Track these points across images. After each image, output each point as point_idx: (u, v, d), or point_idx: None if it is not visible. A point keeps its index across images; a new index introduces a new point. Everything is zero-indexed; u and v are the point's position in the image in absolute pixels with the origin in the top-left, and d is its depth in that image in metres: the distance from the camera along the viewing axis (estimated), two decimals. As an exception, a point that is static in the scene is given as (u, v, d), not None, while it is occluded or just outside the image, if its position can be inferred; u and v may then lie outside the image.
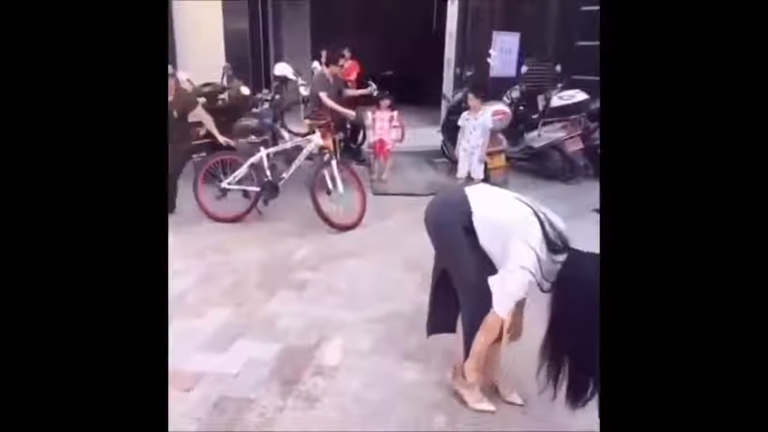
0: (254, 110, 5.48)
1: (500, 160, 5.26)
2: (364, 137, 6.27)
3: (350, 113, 5.38)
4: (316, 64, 6.52)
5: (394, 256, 3.72)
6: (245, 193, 4.43)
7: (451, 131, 6.00)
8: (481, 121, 4.86)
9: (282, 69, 6.13)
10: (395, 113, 5.69)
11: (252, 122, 5.06)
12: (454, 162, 5.94)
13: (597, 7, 6.92)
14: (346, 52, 5.61)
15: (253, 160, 4.35)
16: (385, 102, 5.62)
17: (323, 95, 5.11)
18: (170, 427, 2.03)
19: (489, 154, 5.24)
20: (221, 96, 5.75)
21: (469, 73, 6.51)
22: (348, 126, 5.93)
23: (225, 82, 6.08)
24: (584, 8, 7.23)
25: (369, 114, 5.72)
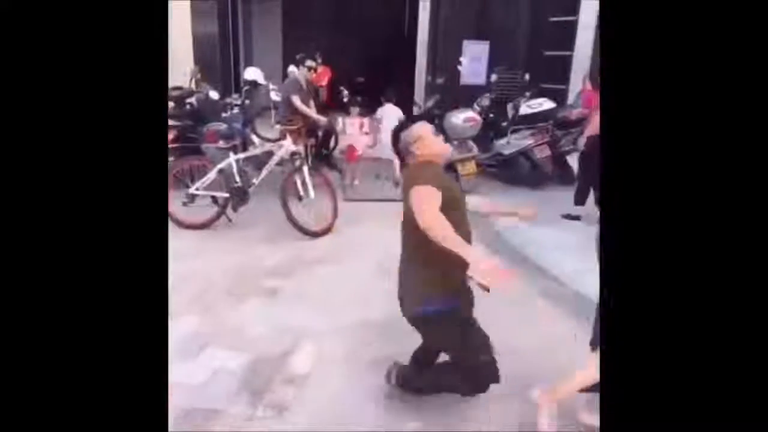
0: (223, 115, 5.40)
1: (471, 167, 5.33)
2: (336, 143, 6.25)
3: (322, 119, 5.36)
4: (293, 68, 6.48)
5: (366, 262, 3.71)
6: (214, 200, 4.35)
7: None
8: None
9: (252, 73, 6.08)
10: (366, 120, 5.71)
11: (221, 127, 4.99)
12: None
13: (565, 18, 7.13)
14: (318, 58, 5.59)
15: (221, 165, 4.28)
16: (356, 108, 5.64)
17: (296, 99, 5.08)
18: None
19: (460, 160, 5.31)
20: (189, 100, 5.65)
21: (440, 81, 6.59)
22: (319, 132, 5.91)
23: (193, 86, 5.98)
24: (553, 19, 7.42)
25: (340, 120, 5.72)
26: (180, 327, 2.77)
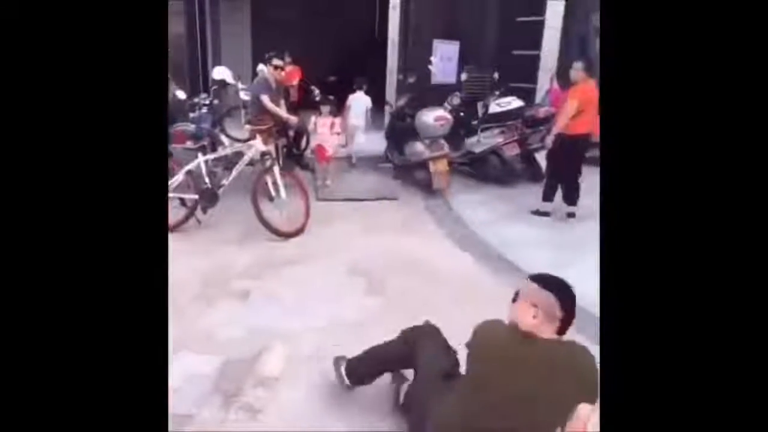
0: (191, 115, 5.30)
1: (443, 165, 5.37)
2: (308, 143, 6.22)
3: (292, 119, 5.31)
4: (262, 67, 6.41)
5: (339, 262, 3.70)
6: (182, 201, 4.27)
7: (394, 137, 6.07)
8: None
9: (221, 73, 5.99)
10: (337, 119, 5.69)
11: (189, 127, 4.90)
12: (397, 167, 6.02)
13: (532, 18, 7.26)
14: (287, 57, 5.54)
15: (190, 166, 4.20)
16: (326, 108, 5.60)
17: (265, 98, 5.02)
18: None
19: (432, 159, 5.34)
20: (156, 100, 5.53)
21: (411, 80, 6.62)
22: (290, 132, 5.87)
23: (160, 86, 5.85)
24: (520, 19, 7.55)
25: (312, 119, 5.68)
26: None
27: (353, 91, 6.14)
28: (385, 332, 2.21)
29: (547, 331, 1.59)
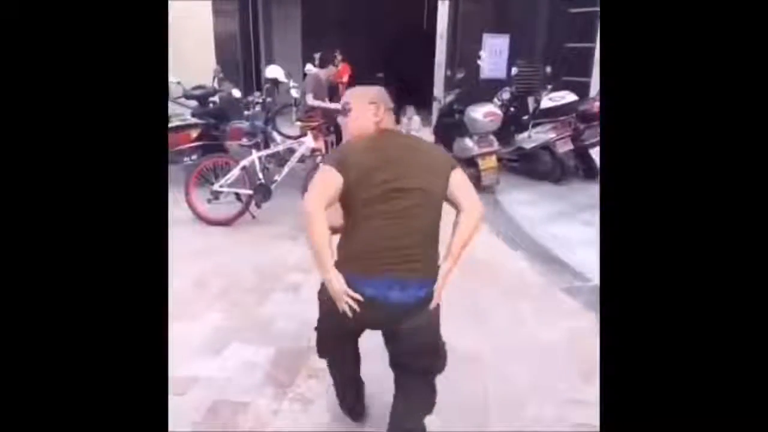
0: (246, 113, 5.47)
1: (491, 162, 5.29)
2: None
3: (335, 106, 5.40)
4: (309, 66, 6.53)
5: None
6: (238, 196, 4.43)
7: (442, 133, 6.03)
8: None
9: (273, 71, 6.13)
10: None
11: (244, 125, 5.06)
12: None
13: (585, 9, 7.01)
14: (338, 54, 5.61)
15: (245, 162, 4.34)
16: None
17: (309, 96, 5.13)
18: (175, 422, 2.03)
19: (480, 155, 5.27)
20: (212, 99, 5.74)
21: (459, 75, 6.54)
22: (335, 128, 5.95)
23: (216, 85, 6.07)
24: (573, 10, 7.30)
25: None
26: (207, 322, 2.83)
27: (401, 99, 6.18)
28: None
29: (390, 122, 1.80)
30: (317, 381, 2.36)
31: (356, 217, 1.63)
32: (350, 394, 2.08)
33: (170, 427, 1.98)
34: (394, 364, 1.84)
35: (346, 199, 1.62)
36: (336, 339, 1.90)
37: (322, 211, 1.57)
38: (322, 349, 1.97)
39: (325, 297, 1.72)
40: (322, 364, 2.48)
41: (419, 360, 1.77)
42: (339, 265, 1.63)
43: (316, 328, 1.93)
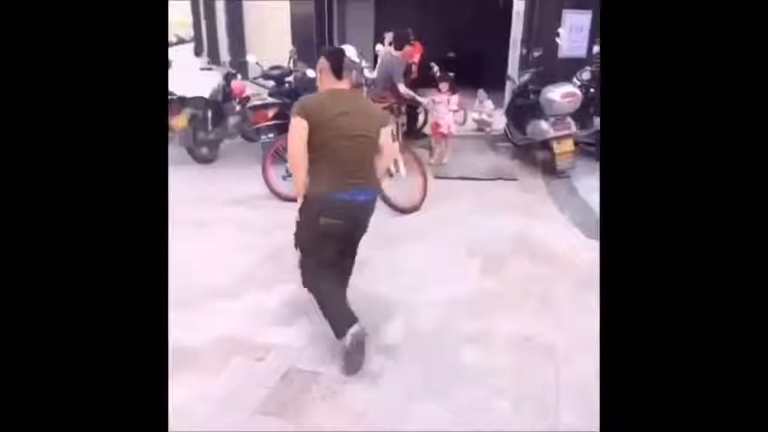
0: (319, 92, 5.57)
1: (568, 145, 5.07)
2: (426, 120, 6.23)
3: (422, 100, 5.40)
4: (380, 46, 6.52)
5: (455, 240, 3.72)
6: (310, 174, 4.55)
7: (515, 114, 5.84)
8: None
9: (347, 52, 6.17)
10: (455, 96, 5.60)
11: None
12: (517, 146, 5.80)
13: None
14: (411, 35, 5.56)
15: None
16: (445, 85, 5.53)
17: (401, 86, 5.24)
18: (252, 387, 2.16)
19: (557, 138, 5.07)
20: (288, 79, 5.89)
21: (536, 54, 6.27)
22: (417, 109, 5.96)
23: (291, 66, 6.21)
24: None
25: (429, 97, 5.67)
26: (279, 295, 2.97)
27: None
28: (501, 316, 2.19)
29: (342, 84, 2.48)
30: (386, 356, 2.42)
31: (323, 151, 2.30)
32: (342, 317, 2.37)
33: (247, 393, 2.12)
34: (349, 253, 2.67)
35: (311, 138, 2.29)
36: (313, 241, 2.44)
37: (302, 150, 2.29)
38: (305, 261, 2.54)
39: (303, 210, 2.39)
40: (393, 341, 2.55)
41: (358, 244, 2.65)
42: (317, 185, 2.32)
43: (296, 244, 2.53)
